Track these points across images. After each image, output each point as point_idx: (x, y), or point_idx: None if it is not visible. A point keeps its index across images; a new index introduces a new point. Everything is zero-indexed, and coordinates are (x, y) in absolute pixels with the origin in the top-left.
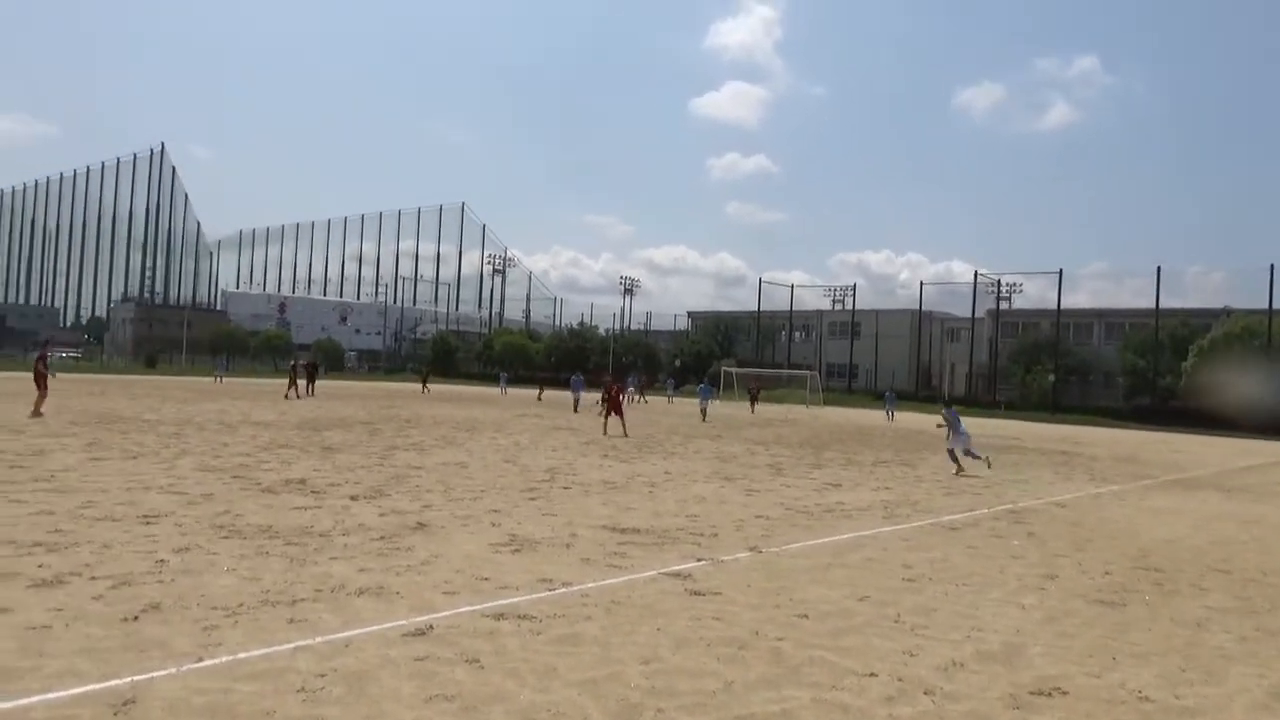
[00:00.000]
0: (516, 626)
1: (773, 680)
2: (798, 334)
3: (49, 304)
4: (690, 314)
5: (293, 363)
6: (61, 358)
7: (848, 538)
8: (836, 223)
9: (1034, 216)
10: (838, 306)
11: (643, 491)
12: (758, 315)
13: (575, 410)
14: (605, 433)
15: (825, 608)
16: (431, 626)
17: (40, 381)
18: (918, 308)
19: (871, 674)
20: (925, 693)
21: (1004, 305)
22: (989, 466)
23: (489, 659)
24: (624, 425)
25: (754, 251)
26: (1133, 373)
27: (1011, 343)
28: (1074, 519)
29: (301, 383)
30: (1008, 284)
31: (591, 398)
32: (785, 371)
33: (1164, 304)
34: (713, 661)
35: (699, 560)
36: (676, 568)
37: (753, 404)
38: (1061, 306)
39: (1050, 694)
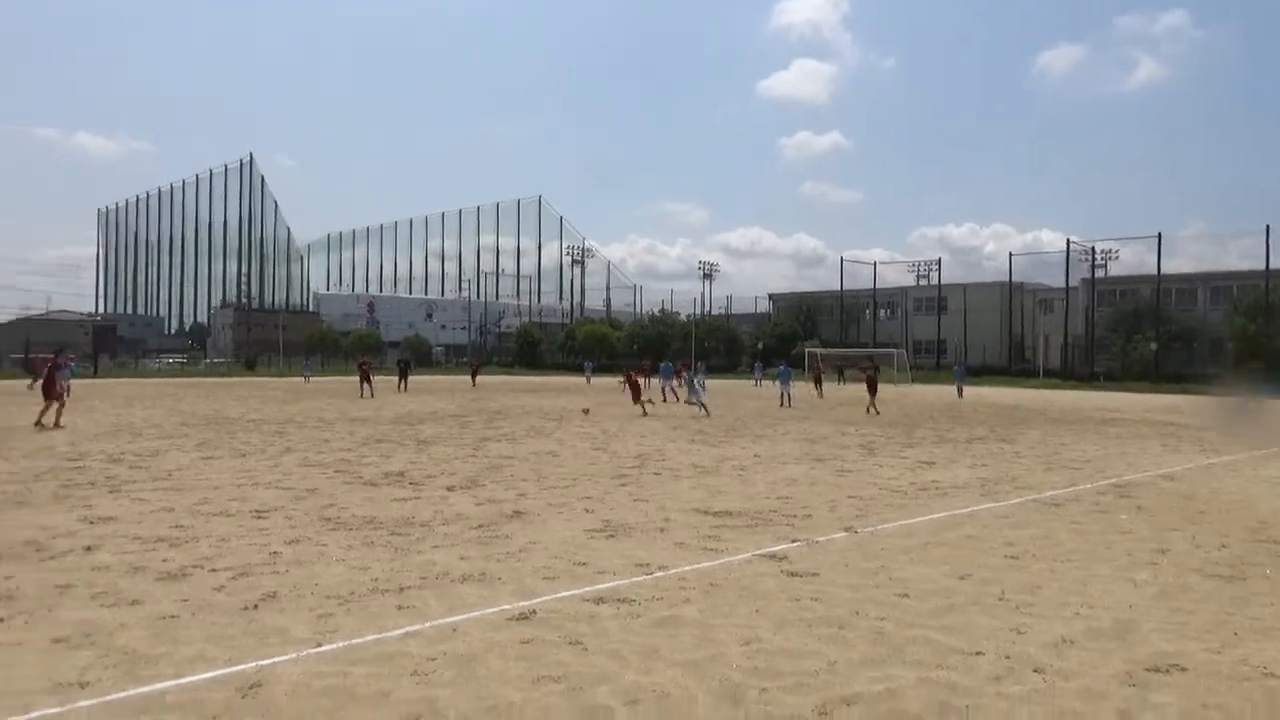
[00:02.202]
0: (616, 610)
1: (876, 660)
2: (882, 312)
3: (154, 313)
4: (771, 296)
5: (361, 362)
6: (168, 363)
7: (945, 516)
8: (916, 197)
9: (1125, 180)
10: (922, 282)
11: (733, 475)
12: (840, 294)
13: (664, 399)
14: (645, 413)
15: (926, 587)
16: (534, 611)
17: (48, 391)
18: (1007, 279)
19: (978, 652)
20: (1035, 670)
21: (1099, 273)
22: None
23: (592, 641)
24: (642, 406)
25: (832, 231)
26: (1242, 338)
27: (1109, 312)
28: (1185, 491)
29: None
30: (1102, 251)
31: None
32: (871, 350)
33: (1274, 265)
34: (814, 641)
35: (794, 541)
36: (772, 549)
37: (817, 386)
38: (1161, 271)
39: (1168, 670)
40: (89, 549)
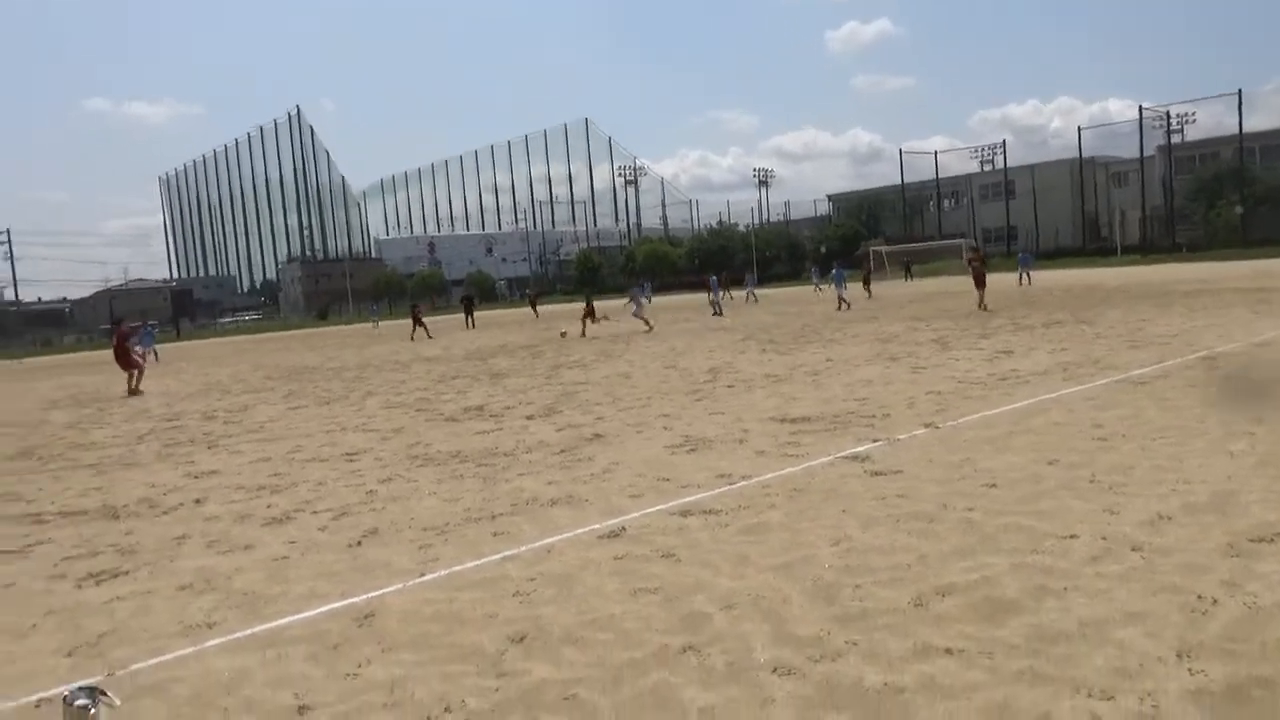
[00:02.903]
0: (704, 521)
1: (968, 549)
2: (947, 202)
3: (226, 273)
4: (830, 197)
5: (413, 305)
6: (245, 321)
7: (1028, 404)
8: (973, 78)
9: (1194, 38)
10: (986, 167)
11: (806, 381)
12: (902, 188)
13: (717, 313)
14: (584, 335)
15: (1013, 475)
16: (624, 528)
17: (123, 361)
18: (1076, 155)
19: (1072, 535)
20: (1133, 549)
21: (1175, 139)
22: None
23: (683, 553)
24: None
25: (888, 123)
26: None
27: (1188, 179)
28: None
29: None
30: (1177, 115)
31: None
32: (937, 243)
33: None
34: (904, 536)
35: (875, 441)
36: (853, 451)
37: (866, 286)
38: (1244, 130)
39: (1273, 540)
40: (198, 501)
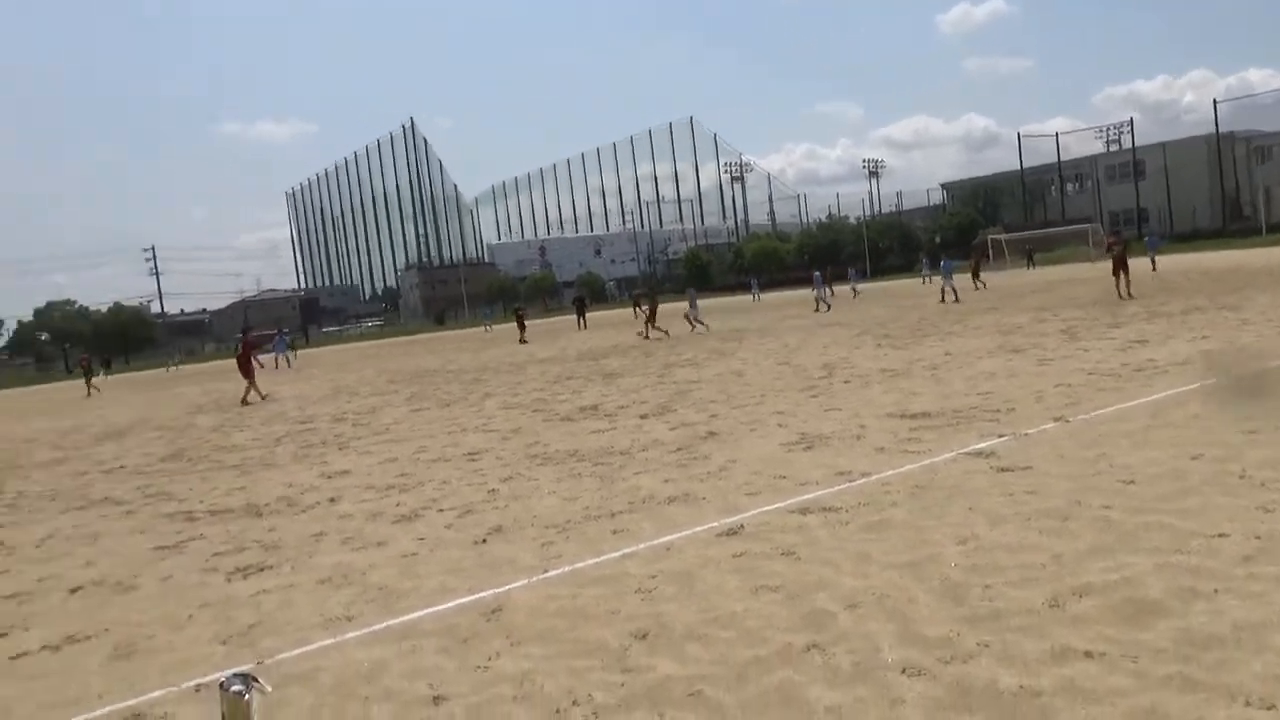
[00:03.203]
0: (824, 519)
1: (1106, 549)
2: (1070, 186)
3: (349, 281)
4: (944, 186)
5: (517, 309)
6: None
7: (1167, 395)
8: (1095, 55)
9: None
10: (1113, 148)
11: (925, 376)
12: (1021, 173)
13: (817, 310)
14: (647, 337)
15: (1153, 470)
16: (742, 526)
17: (244, 369)
18: (1213, 131)
19: (1221, 534)
20: None
21: None
22: None
23: (804, 550)
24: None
25: (1003, 106)
26: None
27: None
28: None
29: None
30: None
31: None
32: (1061, 229)
33: None
34: (1035, 535)
35: (1000, 436)
36: (977, 446)
37: (975, 278)
38: None
39: None
40: (332, 500)
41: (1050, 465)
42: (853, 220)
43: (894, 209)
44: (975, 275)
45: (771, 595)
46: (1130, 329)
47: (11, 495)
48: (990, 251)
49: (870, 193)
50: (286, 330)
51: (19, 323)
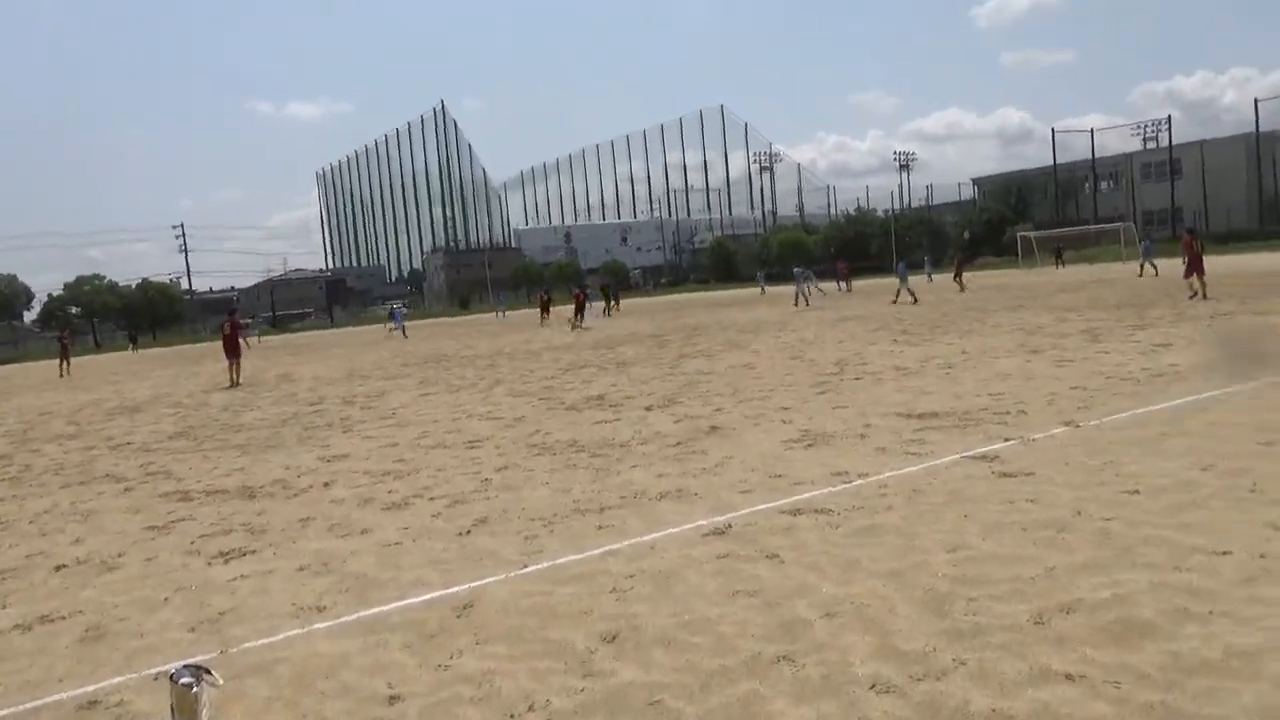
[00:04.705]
0: (814, 521)
1: (1101, 564)
2: (1104, 184)
3: (375, 263)
4: (975, 180)
5: (542, 294)
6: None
7: (1185, 402)
8: (1134, 50)
9: None
10: (1149, 145)
11: (939, 374)
12: (1054, 169)
13: (795, 305)
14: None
15: (1160, 481)
16: (730, 525)
17: (229, 349)
18: (1253, 130)
19: (1224, 552)
20: None
21: None
22: None
23: (789, 554)
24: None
25: (1039, 101)
26: None
27: None
28: None
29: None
30: None
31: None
32: (1093, 227)
33: None
34: (1029, 546)
35: (1006, 440)
36: (982, 450)
37: (958, 280)
38: None
39: None
40: (326, 484)
41: (1054, 472)
42: (881, 213)
43: (924, 203)
44: (958, 278)
45: (749, 600)
46: (1155, 332)
47: (19, 469)
48: (1019, 248)
49: (900, 185)
50: (400, 303)
51: (49, 295)
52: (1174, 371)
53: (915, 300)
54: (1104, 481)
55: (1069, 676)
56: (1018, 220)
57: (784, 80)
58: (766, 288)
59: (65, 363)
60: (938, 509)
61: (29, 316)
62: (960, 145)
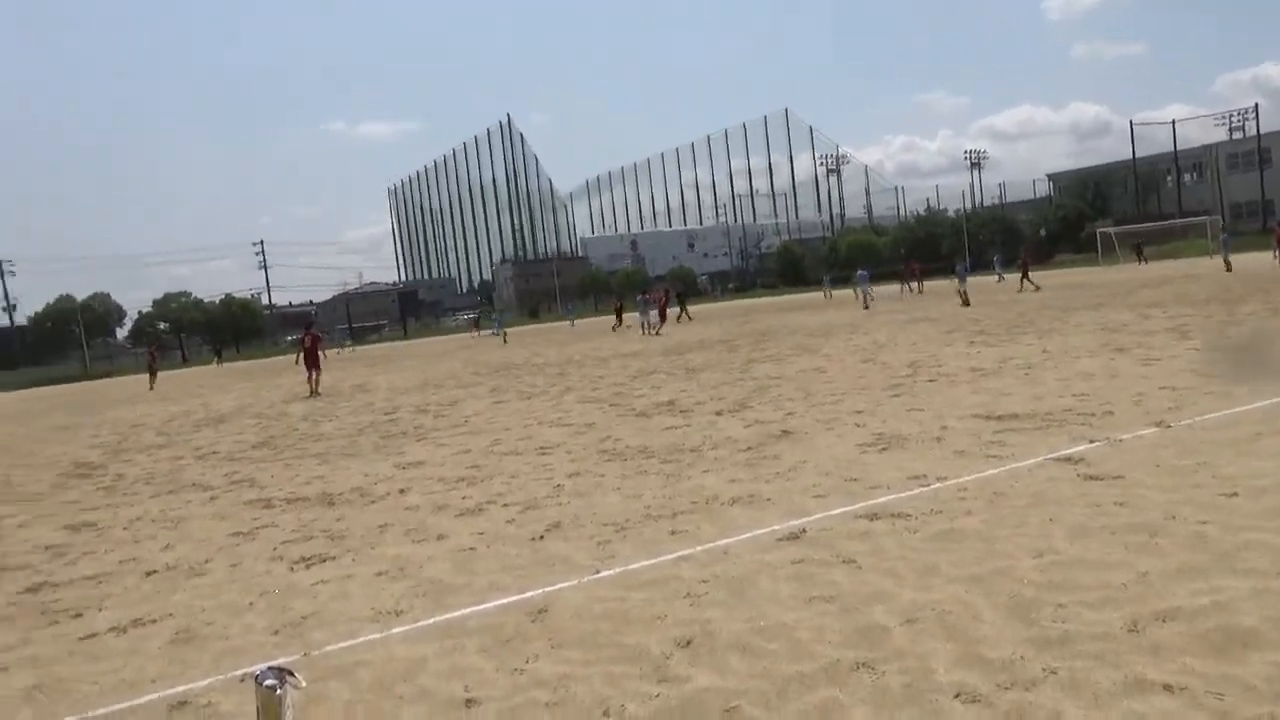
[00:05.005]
0: (891, 526)
1: (1199, 569)
2: (1187, 176)
3: (446, 275)
4: (1050, 176)
5: (616, 302)
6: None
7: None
8: (1217, 38)
9: None
10: (1235, 135)
11: (1018, 375)
12: (1133, 163)
13: (865, 307)
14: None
15: (1260, 483)
16: (804, 530)
17: (309, 360)
18: None
19: None
20: None
21: None
22: None
23: (865, 559)
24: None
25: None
26: None
27: None
28: None
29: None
30: None
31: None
32: (1177, 222)
33: None
34: (1120, 551)
35: (1092, 442)
36: (1066, 452)
37: (1023, 280)
38: None
39: None
40: (402, 491)
41: (1144, 474)
42: (952, 213)
43: (996, 201)
44: (1024, 278)
45: (825, 606)
46: (1248, 328)
47: (112, 478)
48: (1099, 245)
49: (972, 184)
50: (497, 313)
51: (139, 313)
52: None
53: (967, 304)
54: (1198, 484)
55: (1167, 687)
56: (1096, 216)
57: (850, 82)
58: (833, 292)
59: (153, 377)
60: (1021, 512)
61: (120, 333)
62: (1033, 142)
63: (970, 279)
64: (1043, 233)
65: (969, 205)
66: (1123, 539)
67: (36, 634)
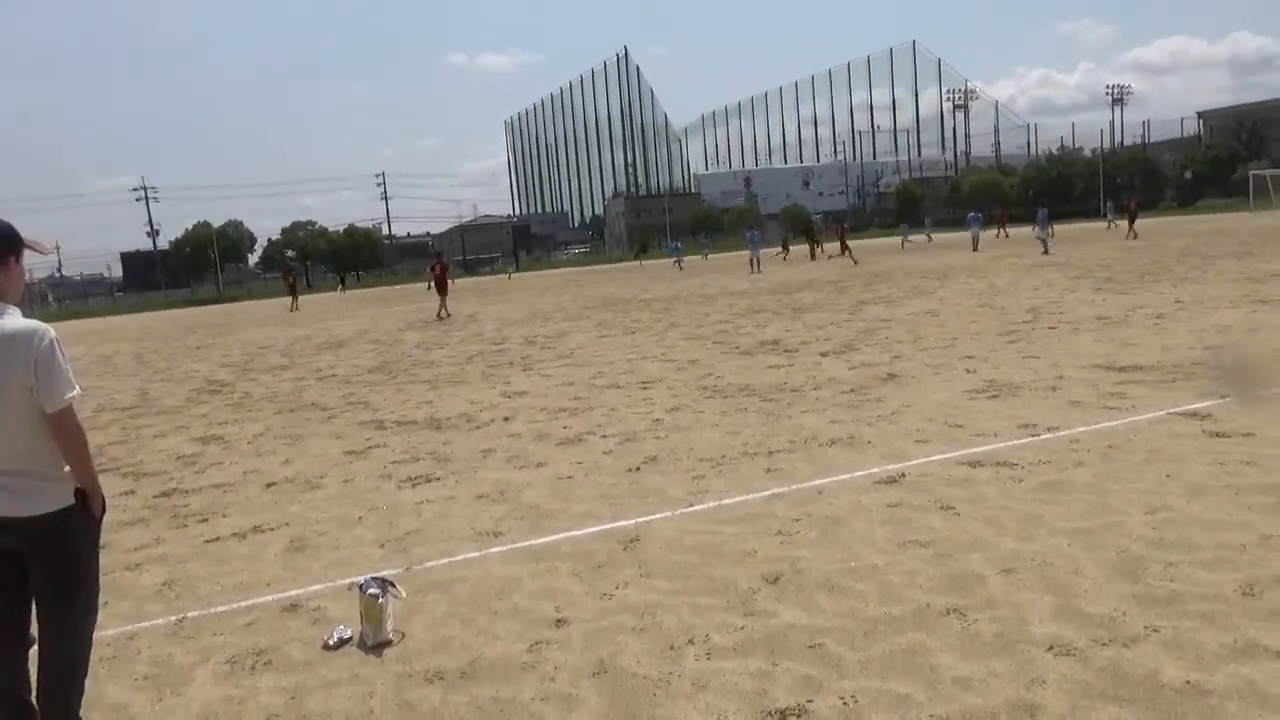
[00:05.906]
0: (995, 474)
1: None
2: None
3: (559, 209)
4: (1200, 115)
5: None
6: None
7: None
8: None
9: None
10: None
11: (1146, 325)
12: None
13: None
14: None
15: None
16: (904, 474)
17: (440, 287)
18: None
19: None
20: None
21: None
22: None
23: (965, 507)
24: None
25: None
26: None
27: None
28: None
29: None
30: None
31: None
32: None
33: None
34: (1242, 512)
35: (1223, 397)
36: (1192, 406)
37: (1131, 227)
38: None
39: None
40: (506, 419)
41: (1277, 433)
42: (1089, 153)
43: (1139, 141)
44: (1131, 224)
45: (919, 551)
46: None
47: (240, 395)
48: (1250, 189)
49: (1112, 122)
50: (678, 243)
51: (269, 240)
52: None
53: (1047, 251)
54: None
55: None
56: (1251, 158)
57: (982, 11)
58: (911, 238)
59: (294, 299)
60: (1136, 467)
61: (252, 259)
62: (1185, 77)
63: (1084, 224)
64: (1188, 175)
65: (1108, 145)
66: (1246, 499)
67: (167, 535)
